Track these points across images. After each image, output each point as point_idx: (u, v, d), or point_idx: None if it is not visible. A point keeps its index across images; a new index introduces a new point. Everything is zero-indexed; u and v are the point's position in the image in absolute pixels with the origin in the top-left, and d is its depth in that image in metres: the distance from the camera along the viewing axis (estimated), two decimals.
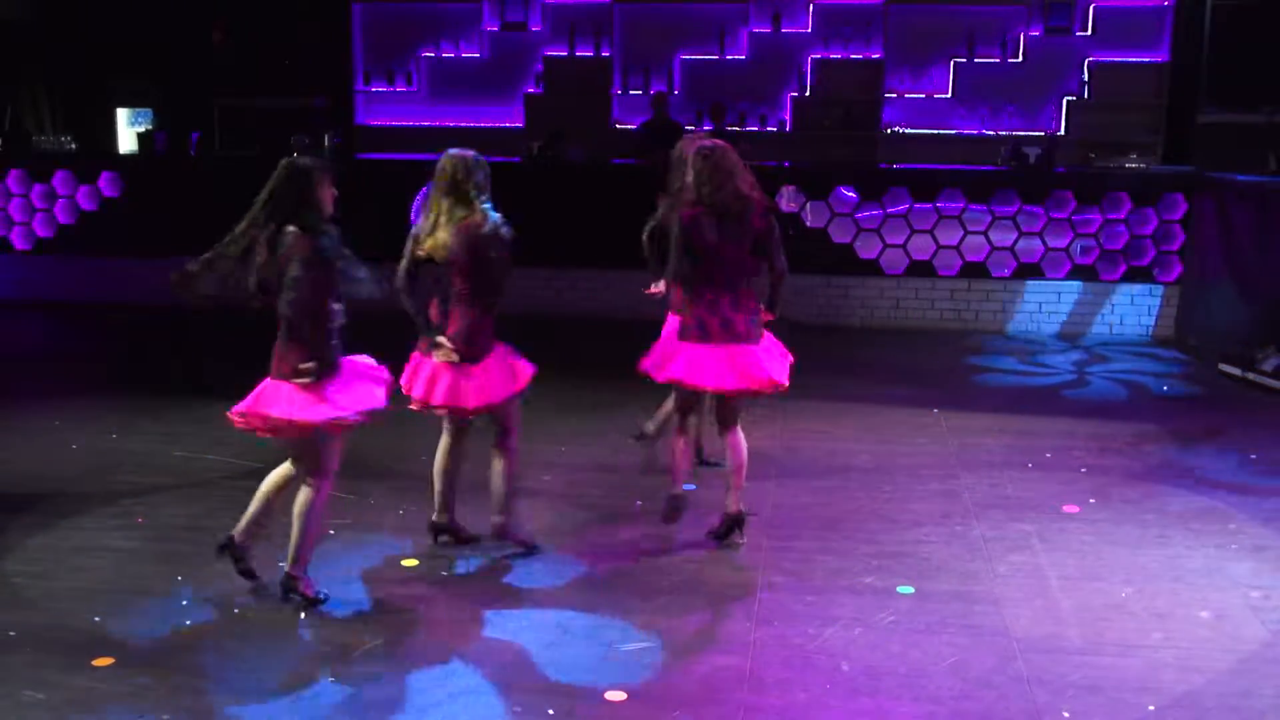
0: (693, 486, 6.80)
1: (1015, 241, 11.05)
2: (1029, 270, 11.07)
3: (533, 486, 6.71)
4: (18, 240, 11.95)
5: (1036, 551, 5.91)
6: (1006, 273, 11.09)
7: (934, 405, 8.51)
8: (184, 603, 5.25)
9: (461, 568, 5.65)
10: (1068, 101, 13.10)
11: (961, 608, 5.26)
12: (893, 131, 13.33)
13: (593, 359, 9.63)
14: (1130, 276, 10.99)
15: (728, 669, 4.69)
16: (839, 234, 11.15)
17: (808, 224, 11.12)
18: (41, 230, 11.92)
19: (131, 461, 7.10)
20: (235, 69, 13.27)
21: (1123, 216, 10.94)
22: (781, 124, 13.53)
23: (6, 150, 12.08)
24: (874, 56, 13.28)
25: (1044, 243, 11.02)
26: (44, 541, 5.91)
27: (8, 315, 11.14)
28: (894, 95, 13.36)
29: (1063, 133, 12.97)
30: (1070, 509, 6.50)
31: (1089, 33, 13.03)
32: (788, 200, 11.12)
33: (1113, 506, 6.55)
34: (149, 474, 6.87)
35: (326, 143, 11.69)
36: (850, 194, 11.14)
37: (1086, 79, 13.05)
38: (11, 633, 4.94)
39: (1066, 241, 11.01)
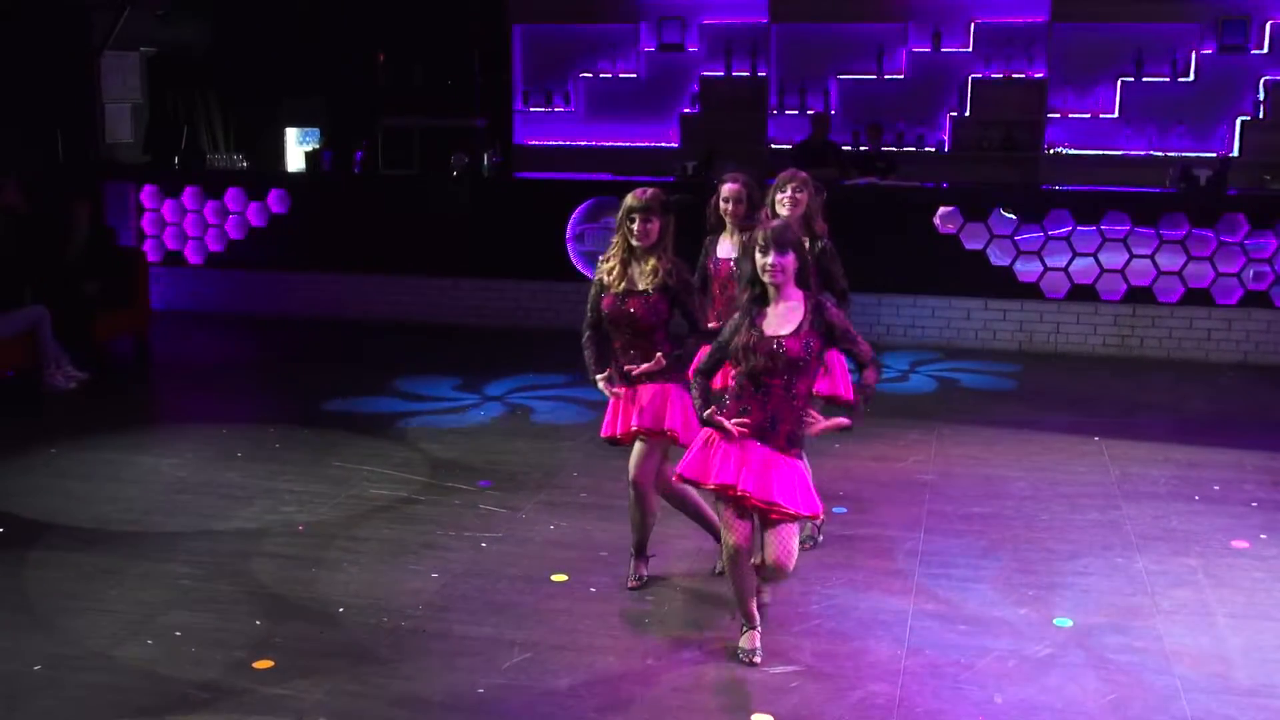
0: (843, 509, 6.74)
1: (1183, 266, 10.65)
2: (1198, 296, 10.68)
3: None
4: (191, 254, 12.39)
5: (1202, 587, 5.70)
6: (1174, 299, 10.71)
7: (1095, 433, 8.27)
8: (340, 610, 5.38)
9: (608, 585, 5.67)
10: (1241, 122, 12.64)
11: (1122, 643, 5.09)
12: (1055, 152, 13.03)
13: None
14: None
15: (877, 696, 4.62)
16: (998, 256, 10.92)
17: (965, 246, 10.93)
18: (213, 245, 12.35)
19: (292, 470, 7.30)
20: (398, 90, 13.62)
21: None
22: (940, 144, 13.34)
23: (182, 168, 12.56)
24: (1036, 76, 13.00)
25: (1214, 268, 10.61)
26: (208, 545, 6.11)
27: (180, 326, 11.57)
28: (1057, 115, 13.06)
29: (1236, 154, 12.50)
30: (1239, 544, 6.25)
31: (1265, 51, 12.55)
32: (944, 221, 10.94)
33: None
34: (309, 482, 7.06)
35: (486, 161, 11.89)
36: (1010, 215, 10.91)
37: (1262, 98, 12.57)
38: (177, 633, 5.12)
39: (1238, 267, 10.59)
